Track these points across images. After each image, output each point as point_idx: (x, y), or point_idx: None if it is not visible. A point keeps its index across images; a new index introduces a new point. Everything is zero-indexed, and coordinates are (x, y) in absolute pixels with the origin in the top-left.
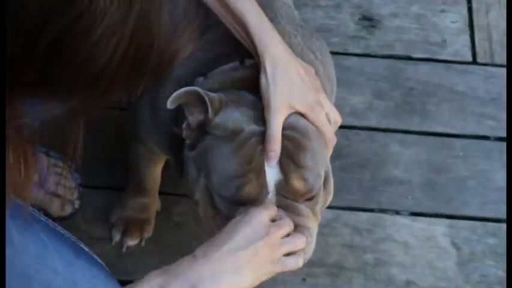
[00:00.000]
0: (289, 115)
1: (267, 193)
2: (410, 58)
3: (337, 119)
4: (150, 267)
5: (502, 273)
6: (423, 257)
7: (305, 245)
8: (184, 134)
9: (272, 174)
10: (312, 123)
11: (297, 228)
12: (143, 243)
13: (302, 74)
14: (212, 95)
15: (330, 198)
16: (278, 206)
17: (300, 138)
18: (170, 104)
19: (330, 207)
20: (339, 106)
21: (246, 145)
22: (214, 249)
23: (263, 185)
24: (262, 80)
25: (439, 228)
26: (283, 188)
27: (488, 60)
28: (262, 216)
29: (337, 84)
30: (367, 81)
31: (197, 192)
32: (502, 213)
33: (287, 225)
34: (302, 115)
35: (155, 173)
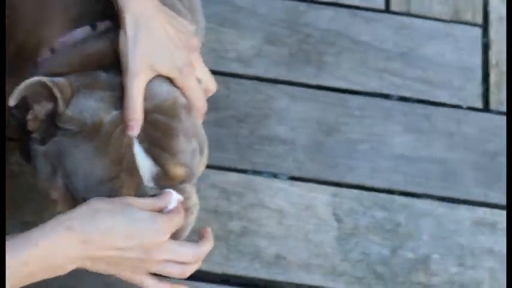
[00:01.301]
0: (152, 79)
1: (144, 189)
2: (312, 1)
3: (209, 86)
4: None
5: (387, 253)
6: (298, 229)
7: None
8: (30, 126)
9: (146, 167)
10: (180, 88)
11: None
12: None
13: (170, 31)
14: (60, 81)
15: (204, 166)
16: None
17: (168, 122)
18: (12, 101)
19: None
20: (224, 51)
21: (111, 140)
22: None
23: (139, 183)
24: (121, 42)
25: (321, 196)
26: (162, 178)
27: (403, 9)
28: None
29: (225, 26)
30: (260, 24)
31: (53, 192)
32: (395, 183)
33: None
34: (168, 79)
35: None
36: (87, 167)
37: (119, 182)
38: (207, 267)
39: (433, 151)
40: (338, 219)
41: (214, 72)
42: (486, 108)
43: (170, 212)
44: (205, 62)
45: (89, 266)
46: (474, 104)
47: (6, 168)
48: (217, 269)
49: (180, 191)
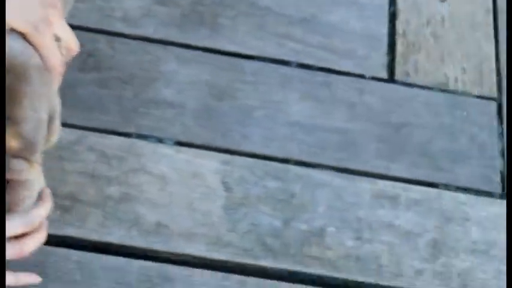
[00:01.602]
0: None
1: None
2: None
3: (71, 45)
4: None
5: (279, 224)
6: (183, 197)
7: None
8: None
9: None
10: (34, 46)
11: (10, 183)
12: None
13: None
14: None
15: (55, 138)
16: None
17: (15, 83)
18: None
19: (74, 126)
20: (110, 9)
21: None
22: None
23: None
24: None
25: (210, 163)
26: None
27: None
28: None
29: None
30: None
31: None
32: (290, 152)
33: None
34: (21, 35)
35: None
36: None
37: None
38: (80, 234)
39: (332, 121)
40: (227, 188)
41: (98, 31)
42: (391, 78)
43: None
44: (90, 21)
45: None
46: (378, 74)
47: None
48: (92, 236)
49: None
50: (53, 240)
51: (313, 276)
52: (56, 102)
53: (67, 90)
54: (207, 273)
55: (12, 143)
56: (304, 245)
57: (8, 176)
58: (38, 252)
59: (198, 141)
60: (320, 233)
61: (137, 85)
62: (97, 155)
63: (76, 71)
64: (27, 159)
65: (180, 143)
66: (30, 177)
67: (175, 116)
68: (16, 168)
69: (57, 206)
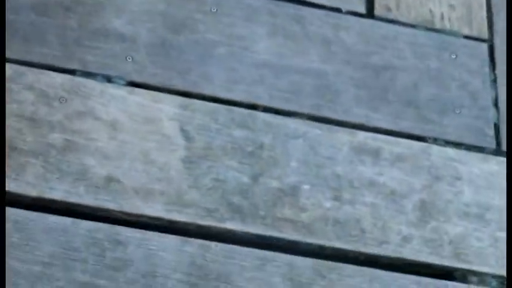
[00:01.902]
0: None
1: None
2: None
3: None
4: None
5: (247, 180)
6: (136, 146)
7: None
8: None
9: None
10: None
11: None
12: None
13: None
14: None
15: None
16: None
17: None
18: None
19: (8, 60)
20: None
21: None
22: None
23: None
24: None
25: (166, 108)
26: None
27: None
28: None
29: None
30: None
31: None
32: (258, 97)
33: None
34: None
35: None
36: None
37: None
38: (17, 188)
39: (305, 61)
40: (187, 137)
41: None
42: (370, 13)
43: None
44: None
45: None
46: (356, 8)
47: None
48: (30, 191)
49: None
50: None
51: (286, 242)
52: None
53: None
54: (164, 237)
55: None
56: (275, 205)
57: None
58: None
59: (153, 81)
60: (293, 191)
61: (82, 13)
62: (36, 94)
63: None
64: None
65: (132, 83)
66: None
67: (126, 51)
68: None
69: None
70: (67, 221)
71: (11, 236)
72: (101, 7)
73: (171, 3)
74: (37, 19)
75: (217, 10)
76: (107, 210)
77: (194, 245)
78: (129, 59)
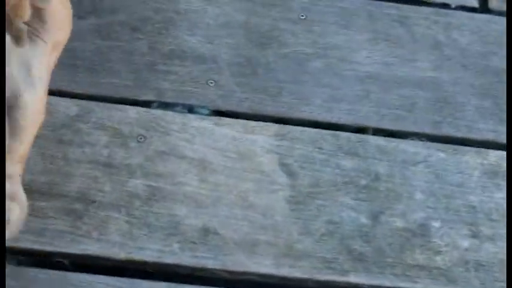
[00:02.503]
0: None
1: None
2: None
3: None
4: None
5: (366, 221)
6: (232, 188)
7: None
8: None
9: None
10: None
11: None
12: None
13: None
14: None
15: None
16: None
17: None
18: None
19: (73, 95)
20: None
21: None
22: None
23: None
24: None
25: (261, 138)
26: None
27: None
28: None
29: None
30: None
31: None
32: (366, 117)
33: None
34: None
35: None
36: None
37: None
38: (100, 251)
39: (415, 69)
40: (289, 173)
41: None
42: (484, 7)
43: None
44: None
45: None
46: (467, 2)
47: None
48: (117, 253)
49: None
50: (67, 262)
51: None
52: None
53: None
54: None
55: None
56: (403, 250)
57: None
58: (48, 281)
59: (241, 108)
60: (422, 230)
61: (151, 33)
62: (109, 134)
63: None
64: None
65: (218, 112)
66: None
67: (206, 74)
68: None
69: (66, 211)
70: (163, 286)
71: None
72: (171, 24)
73: (252, 12)
74: (98, 43)
75: (306, 17)
76: (207, 270)
77: None
78: (211, 83)
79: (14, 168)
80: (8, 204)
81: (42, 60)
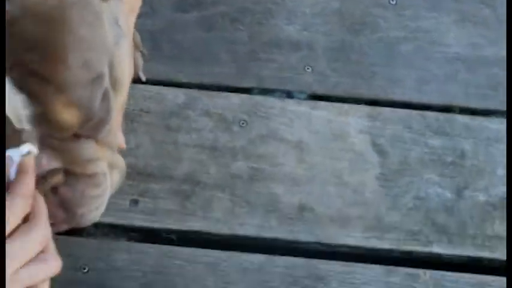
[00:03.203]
0: None
1: (20, 136)
2: None
3: None
4: None
5: (450, 195)
6: (327, 168)
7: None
8: None
9: (18, 106)
10: None
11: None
12: None
13: None
14: None
15: (123, 99)
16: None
17: (45, 32)
18: None
19: (181, 85)
20: None
21: None
22: None
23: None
24: None
25: (354, 120)
26: (43, 123)
27: None
28: None
29: None
30: None
31: None
32: (453, 97)
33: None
34: None
35: None
36: None
37: None
38: (205, 227)
39: (501, 49)
40: (380, 152)
41: None
42: None
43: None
44: None
45: None
46: None
47: None
48: (221, 228)
49: (75, 149)
50: (174, 237)
51: (500, 263)
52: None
53: (163, 36)
54: (367, 268)
55: (65, 116)
56: (484, 222)
57: (70, 167)
58: (157, 255)
59: (336, 92)
60: (503, 204)
61: (251, 23)
62: (214, 120)
63: (171, 10)
64: (93, 139)
65: (315, 96)
66: (98, 169)
67: (304, 61)
68: (78, 158)
69: (173, 192)
70: (261, 258)
71: (205, 279)
72: (270, 14)
73: None
74: (203, 35)
75: (396, 2)
76: (303, 243)
77: (400, 274)
78: (308, 69)
79: (114, 139)
80: (110, 171)
81: (122, 17)
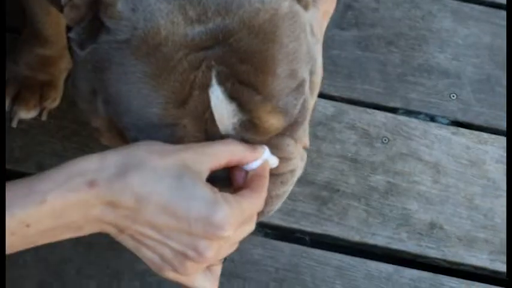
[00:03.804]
0: None
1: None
2: None
3: None
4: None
5: None
6: (461, 191)
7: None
8: (66, 15)
9: (226, 114)
10: None
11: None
12: (44, 117)
13: None
14: None
15: (315, 99)
16: None
17: (258, 44)
18: None
19: (331, 97)
20: None
21: (174, 66)
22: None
23: (212, 134)
24: None
25: (492, 149)
26: (249, 129)
27: None
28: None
29: None
30: None
31: (94, 119)
32: None
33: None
34: None
35: (58, 14)
36: (136, 100)
37: (180, 131)
38: (339, 233)
39: None
40: None
41: None
42: None
43: (249, 182)
44: None
45: (116, 235)
46: None
47: None
48: (353, 236)
49: (275, 147)
50: (309, 239)
51: None
52: (318, 54)
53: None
54: None
55: (271, 121)
56: None
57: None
58: (291, 253)
59: (478, 121)
60: None
61: (405, 47)
62: (358, 134)
63: (331, 26)
64: (292, 138)
65: (457, 123)
66: (298, 165)
67: (450, 88)
68: (287, 149)
69: (313, 197)
70: (389, 268)
71: (334, 282)
72: (424, 41)
73: (497, 34)
74: (359, 53)
75: None
76: (429, 258)
77: None
78: (453, 96)
79: (307, 138)
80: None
81: (317, 24)
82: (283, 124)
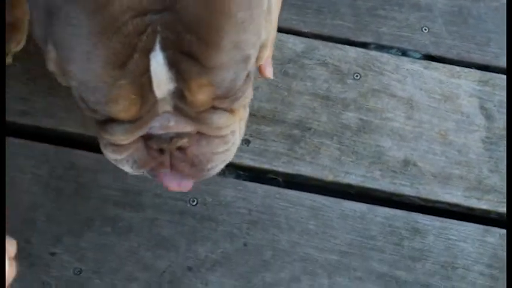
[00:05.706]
0: None
1: (155, 111)
2: None
3: None
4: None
5: None
6: (434, 126)
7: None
8: None
9: (163, 83)
10: None
11: (205, 138)
12: (9, 60)
13: None
14: None
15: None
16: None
17: (205, 14)
18: None
19: (301, 33)
20: None
21: (119, 28)
22: None
23: (147, 98)
24: None
25: (465, 83)
26: (181, 99)
27: None
28: None
29: None
30: None
31: (49, 62)
32: None
33: None
34: None
35: None
36: (76, 50)
37: (116, 92)
38: (312, 172)
39: None
40: (487, 116)
41: None
42: None
43: None
44: None
45: None
46: None
47: None
48: (326, 175)
49: (203, 122)
50: (279, 179)
51: None
52: (273, 25)
53: None
54: (464, 225)
55: (198, 96)
56: None
57: (203, 131)
58: (264, 194)
59: (450, 54)
60: None
61: None
62: (329, 70)
63: None
64: (226, 110)
65: (429, 57)
66: (229, 130)
67: (421, 21)
68: (211, 125)
69: (284, 135)
70: (363, 207)
71: (307, 223)
72: None
73: None
74: None
75: None
76: (404, 196)
77: (495, 234)
78: (425, 29)
79: (247, 105)
80: (239, 125)
81: None
82: (211, 101)
